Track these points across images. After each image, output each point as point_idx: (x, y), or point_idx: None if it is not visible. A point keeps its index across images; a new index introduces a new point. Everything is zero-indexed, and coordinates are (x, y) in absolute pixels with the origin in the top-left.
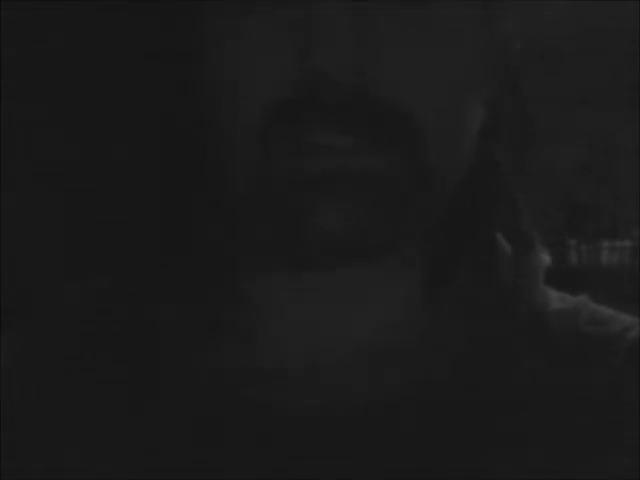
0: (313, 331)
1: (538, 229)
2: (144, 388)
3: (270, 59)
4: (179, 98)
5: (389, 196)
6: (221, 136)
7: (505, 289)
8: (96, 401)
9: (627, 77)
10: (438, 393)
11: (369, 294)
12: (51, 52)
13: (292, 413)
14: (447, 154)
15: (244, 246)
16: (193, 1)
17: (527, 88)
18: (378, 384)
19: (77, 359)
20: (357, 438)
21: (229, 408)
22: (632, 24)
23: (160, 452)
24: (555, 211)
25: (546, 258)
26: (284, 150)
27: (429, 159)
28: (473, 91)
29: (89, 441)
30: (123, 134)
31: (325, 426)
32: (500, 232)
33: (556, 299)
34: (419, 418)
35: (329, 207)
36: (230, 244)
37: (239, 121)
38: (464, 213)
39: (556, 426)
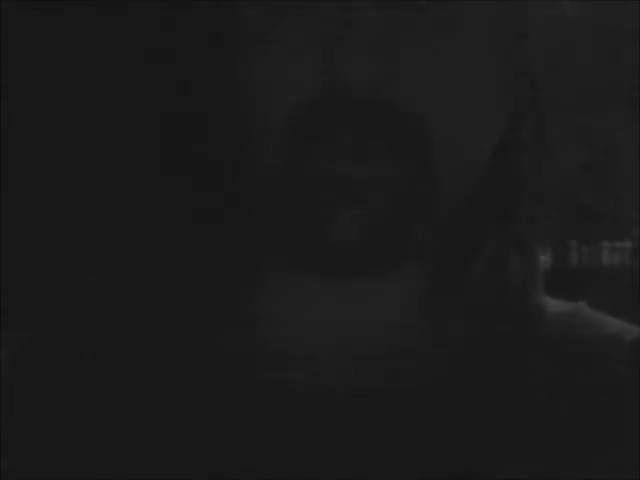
0: (315, 324)
1: (540, 231)
2: (146, 376)
3: (298, 67)
4: (206, 98)
5: (403, 205)
6: (247, 136)
7: (506, 292)
8: (98, 396)
9: (627, 77)
10: (437, 393)
11: (376, 298)
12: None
13: (298, 392)
14: (461, 166)
15: (260, 244)
16: (224, 5)
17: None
18: (379, 380)
19: (78, 354)
20: (363, 417)
21: (234, 388)
22: (632, 24)
23: (164, 446)
24: (555, 211)
25: (546, 259)
26: (304, 154)
27: (444, 169)
28: (492, 108)
29: (91, 437)
30: (145, 131)
31: (330, 405)
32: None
33: (554, 305)
34: (418, 417)
35: (345, 215)
36: (246, 241)
37: (265, 123)
38: (478, 216)
39: (556, 427)
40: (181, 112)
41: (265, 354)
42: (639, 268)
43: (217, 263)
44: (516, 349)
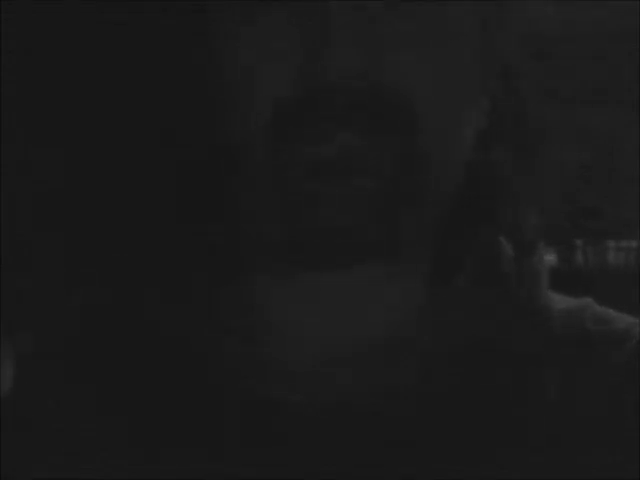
0: (315, 328)
1: (543, 230)
2: (147, 389)
3: (280, 58)
4: (191, 93)
5: (389, 190)
6: (232, 131)
7: (508, 290)
8: (98, 405)
9: (628, 77)
10: (440, 391)
11: (369, 295)
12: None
13: (298, 408)
14: (445, 148)
15: (249, 245)
16: (203, 1)
17: (528, 88)
18: (379, 380)
19: (81, 366)
20: (362, 433)
21: (233, 403)
22: (632, 24)
23: (164, 452)
24: (561, 211)
25: (551, 259)
26: (289, 143)
27: (428, 152)
28: (472, 91)
29: (91, 442)
30: (130, 135)
31: (330, 421)
32: (504, 234)
33: (560, 301)
34: (419, 415)
35: (329, 195)
36: (234, 243)
37: (250, 117)
38: (465, 213)
39: (561, 424)
40: (164, 106)
41: (265, 369)
42: None
43: (208, 271)
44: (521, 346)
